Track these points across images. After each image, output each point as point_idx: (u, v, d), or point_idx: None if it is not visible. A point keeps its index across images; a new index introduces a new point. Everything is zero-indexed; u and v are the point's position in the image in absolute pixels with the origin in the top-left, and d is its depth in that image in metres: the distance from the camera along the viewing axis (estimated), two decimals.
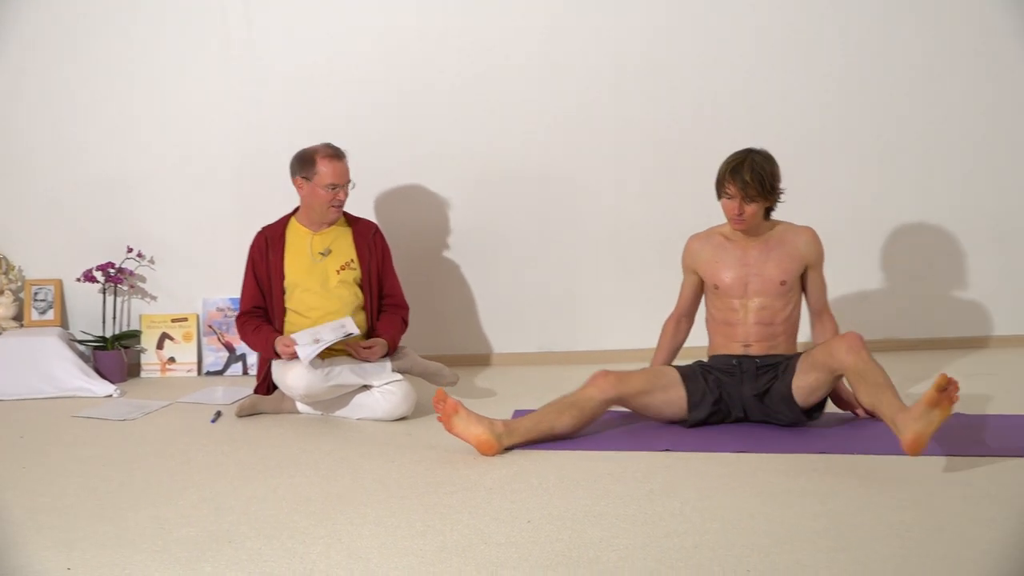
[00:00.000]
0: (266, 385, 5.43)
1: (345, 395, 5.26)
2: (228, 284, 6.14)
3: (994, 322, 6.55)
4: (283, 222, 5.45)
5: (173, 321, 6.40)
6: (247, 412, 5.34)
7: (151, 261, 6.39)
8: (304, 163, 5.29)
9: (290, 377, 5.13)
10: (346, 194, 5.34)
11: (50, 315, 6.33)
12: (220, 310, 6.39)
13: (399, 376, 5.28)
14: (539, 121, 6.35)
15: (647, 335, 6.28)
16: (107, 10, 6.24)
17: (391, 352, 5.38)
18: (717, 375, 4.88)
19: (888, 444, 4.39)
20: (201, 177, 6.35)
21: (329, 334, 5.14)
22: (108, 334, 6.30)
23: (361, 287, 5.41)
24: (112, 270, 6.23)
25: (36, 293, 6.33)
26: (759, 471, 4.26)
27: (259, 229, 5.46)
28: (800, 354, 4.86)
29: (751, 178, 4.73)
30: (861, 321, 6.38)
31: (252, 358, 6.24)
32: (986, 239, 6.49)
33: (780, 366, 4.82)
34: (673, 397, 4.84)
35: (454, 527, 3.72)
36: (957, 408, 5.02)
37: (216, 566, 3.43)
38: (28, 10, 6.18)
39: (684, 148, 6.31)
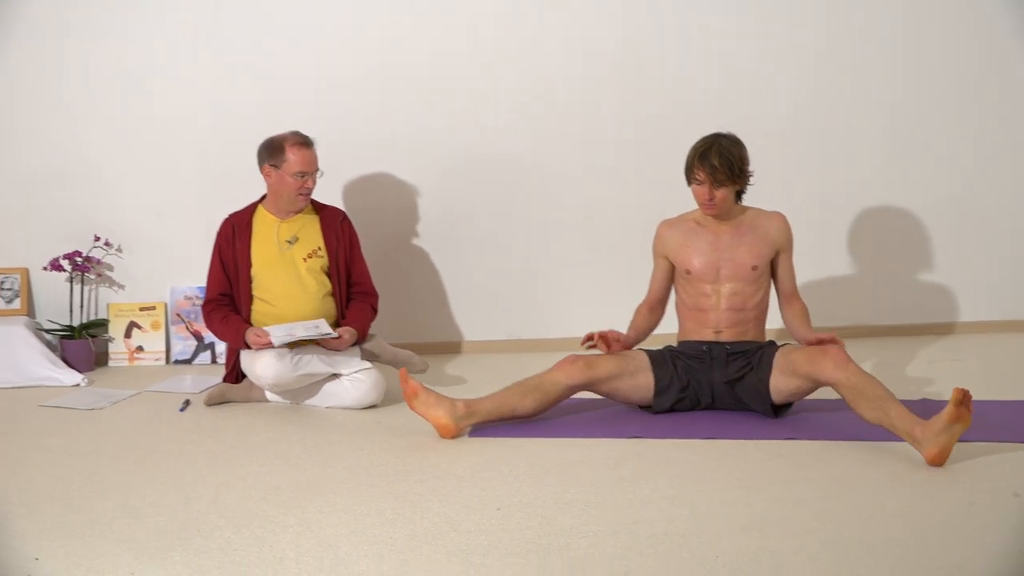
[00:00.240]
0: (235, 374, 5.42)
1: (314, 384, 5.25)
2: (196, 272, 6.11)
3: (959, 308, 6.59)
4: (250, 210, 5.43)
5: (141, 310, 6.37)
6: (216, 401, 5.32)
7: (118, 249, 6.36)
8: (272, 151, 5.27)
9: (259, 366, 5.11)
10: (314, 182, 5.32)
11: (16, 304, 6.28)
12: (188, 298, 6.37)
13: (368, 364, 5.27)
14: (508, 106, 6.35)
15: (617, 322, 6.28)
16: None
17: (360, 340, 5.38)
18: (686, 361, 4.89)
19: (855, 430, 4.42)
20: (168, 165, 6.32)
21: (302, 331, 5.13)
22: (75, 323, 6.27)
23: (329, 275, 5.40)
24: (79, 259, 6.19)
25: (2, 282, 6.29)
26: (728, 457, 4.27)
27: (226, 216, 5.44)
28: (773, 344, 4.87)
29: (720, 163, 4.71)
30: (828, 307, 6.44)
31: (221, 347, 6.21)
32: (952, 226, 6.54)
33: (752, 353, 4.83)
34: (641, 383, 4.85)
35: (424, 515, 3.72)
36: (922, 394, 5.09)
37: (185, 555, 3.42)
38: None
39: (653, 133, 6.33)
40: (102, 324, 6.34)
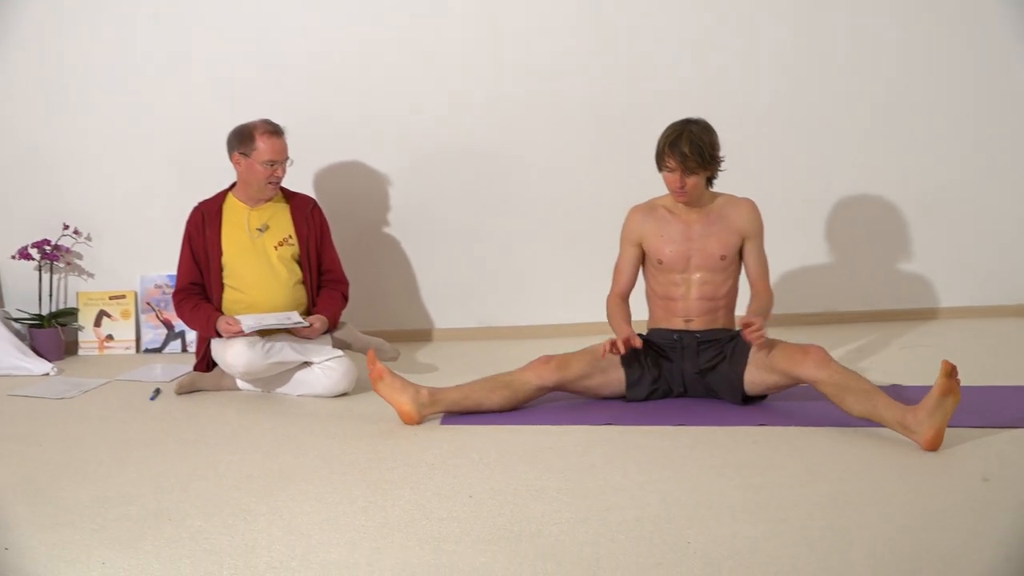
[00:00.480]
0: (205, 362, 5.40)
1: (285, 372, 5.25)
2: (166, 261, 6.07)
3: (930, 294, 6.62)
4: (220, 198, 5.41)
5: (111, 298, 6.34)
6: (186, 389, 5.31)
7: (87, 238, 6.33)
8: (242, 139, 5.25)
9: (230, 355, 5.10)
10: (284, 171, 5.31)
11: None
12: (158, 287, 6.34)
13: (339, 352, 5.27)
14: (478, 95, 6.33)
15: (587, 309, 6.33)
16: None
17: (331, 328, 5.37)
18: (656, 351, 4.90)
19: (828, 417, 4.44)
20: (137, 153, 6.29)
21: (274, 321, 5.13)
22: (44, 312, 6.24)
23: (299, 263, 5.39)
24: (48, 247, 6.16)
25: None
26: (699, 444, 4.29)
27: (195, 205, 5.42)
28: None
29: (690, 150, 4.68)
30: (800, 294, 6.47)
31: (191, 335, 6.19)
32: (923, 212, 6.55)
33: (724, 343, 4.83)
34: (612, 379, 4.86)
35: (396, 503, 3.72)
36: (894, 380, 5.11)
37: (156, 544, 3.41)
38: None
39: (623, 120, 6.32)
40: (71, 313, 6.31)
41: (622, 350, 4.68)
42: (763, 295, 4.90)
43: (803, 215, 6.49)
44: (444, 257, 6.46)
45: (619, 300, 5.01)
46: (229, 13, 6.22)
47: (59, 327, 6.20)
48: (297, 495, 3.82)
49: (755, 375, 4.68)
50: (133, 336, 6.35)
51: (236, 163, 5.29)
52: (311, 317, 5.25)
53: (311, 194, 5.97)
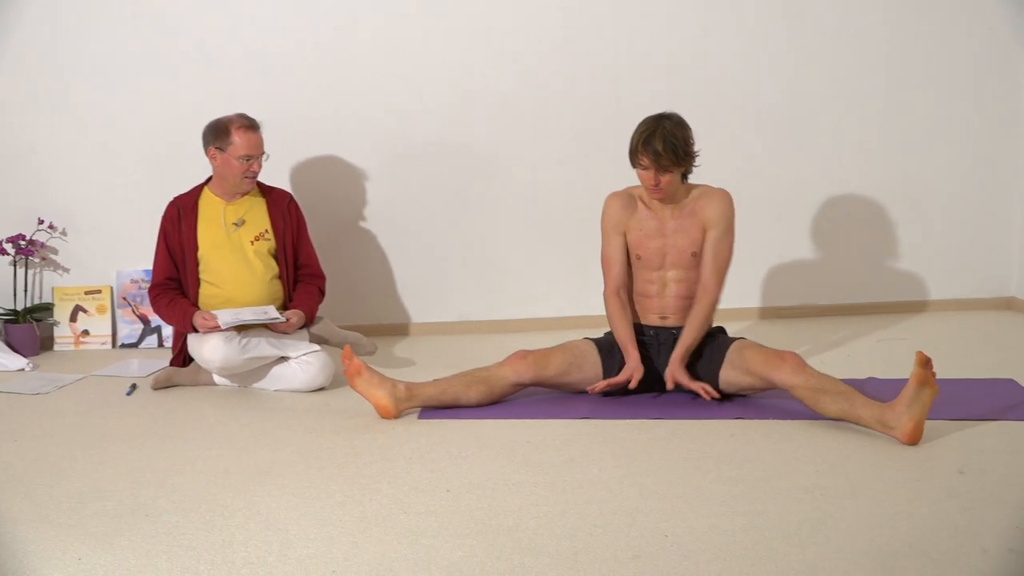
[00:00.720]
0: (182, 357, 5.39)
1: (262, 367, 5.24)
2: (142, 255, 6.06)
3: (909, 288, 6.65)
4: (195, 192, 5.39)
5: (86, 293, 6.32)
6: (163, 385, 5.30)
7: (63, 233, 6.30)
8: (218, 133, 5.23)
9: (206, 349, 5.09)
10: (260, 165, 5.29)
11: None
12: (134, 282, 6.32)
13: (316, 347, 5.26)
14: (453, 91, 6.32)
15: (564, 302, 6.35)
16: None
17: (308, 323, 5.36)
18: None
19: (803, 410, 4.45)
20: (112, 147, 6.26)
21: (250, 316, 5.12)
22: (20, 307, 6.20)
23: (276, 258, 5.37)
24: (23, 242, 6.13)
25: None
26: (676, 437, 4.30)
27: (171, 199, 5.40)
28: (724, 331, 4.89)
29: (664, 148, 4.60)
30: (779, 288, 6.49)
31: (168, 330, 6.17)
32: (902, 206, 6.58)
33: (702, 340, 4.82)
34: (590, 375, 4.85)
35: (373, 497, 3.72)
36: (869, 373, 5.13)
37: (133, 540, 3.41)
38: None
39: (601, 115, 6.33)
40: (47, 308, 6.28)
41: (633, 386, 4.72)
42: (703, 302, 4.77)
43: (782, 209, 6.51)
44: (421, 252, 6.45)
45: (616, 298, 4.89)
46: (206, 10, 6.18)
47: (34, 322, 6.17)
48: (274, 490, 3.82)
49: (731, 375, 4.68)
50: (109, 331, 6.33)
51: (212, 158, 5.28)
52: (288, 312, 5.24)
53: (287, 188, 5.96)
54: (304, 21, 6.22)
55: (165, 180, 5.91)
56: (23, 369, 5.78)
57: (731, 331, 4.98)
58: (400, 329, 6.50)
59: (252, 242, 5.31)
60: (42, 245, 6.25)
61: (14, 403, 5.13)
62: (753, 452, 4.09)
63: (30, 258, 6.22)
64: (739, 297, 6.39)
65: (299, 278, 5.46)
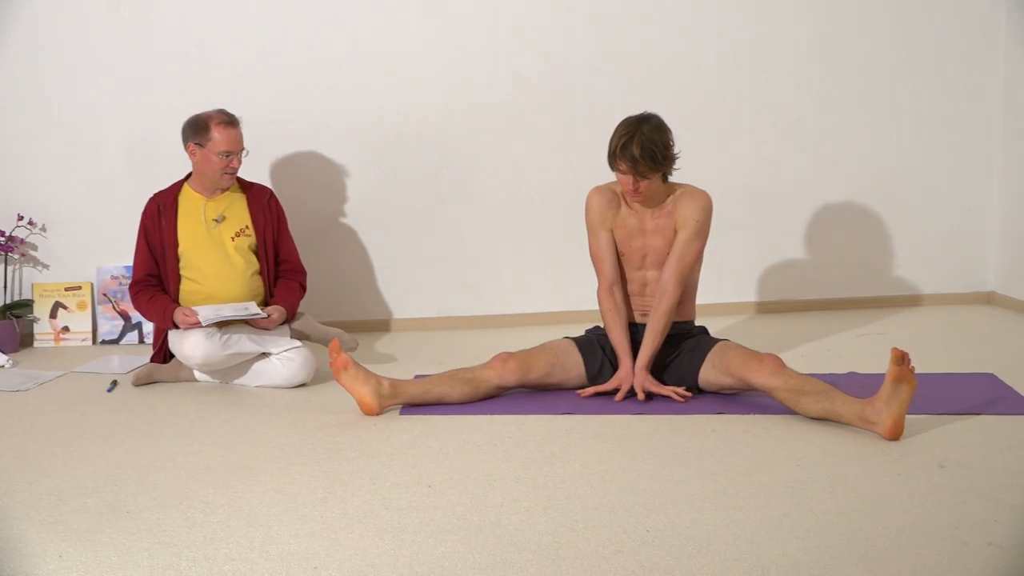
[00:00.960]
0: (163, 354, 5.37)
1: (244, 363, 5.23)
2: (122, 252, 6.05)
3: (889, 283, 6.67)
4: (175, 188, 5.37)
5: (66, 290, 6.30)
6: (144, 381, 5.28)
7: (42, 229, 6.28)
8: (197, 129, 5.22)
9: (188, 346, 5.08)
10: (240, 161, 5.27)
11: None
12: (115, 278, 6.30)
13: (298, 343, 5.26)
14: (434, 86, 6.32)
15: (546, 298, 6.35)
16: None
17: (289, 319, 5.35)
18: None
19: (783, 405, 4.46)
20: (92, 143, 6.24)
21: (231, 312, 5.11)
22: None
23: (256, 253, 5.36)
24: (2, 238, 6.10)
25: None
26: (657, 433, 4.30)
27: (151, 196, 5.38)
28: (705, 331, 4.90)
29: (641, 154, 4.53)
30: (759, 284, 6.49)
31: (148, 327, 6.16)
32: (881, 202, 6.60)
33: (682, 338, 4.83)
34: (573, 374, 4.87)
35: (355, 493, 3.72)
36: (849, 368, 5.14)
37: (114, 537, 3.40)
38: None
39: (581, 109, 6.33)
40: (27, 304, 6.26)
41: (619, 399, 4.72)
42: (663, 306, 4.75)
43: (762, 206, 6.51)
44: (402, 247, 6.45)
45: (610, 297, 4.84)
46: (186, 6, 6.16)
47: (14, 319, 6.15)
48: (256, 486, 3.81)
49: (710, 374, 4.69)
50: (89, 328, 6.31)
51: (191, 153, 5.26)
52: (269, 308, 5.23)
53: (267, 184, 5.95)
54: (283, 18, 6.21)
55: (145, 176, 5.89)
56: (3, 366, 5.76)
57: (714, 327, 4.99)
58: (381, 325, 6.50)
59: (232, 238, 5.30)
60: (22, 241, 6.22)
61: None
62: (734, 447, 4.10)
63: (9, 254, 6.19)
64: (722, 293, 6.42)
65: (280, 274, 5.45)
